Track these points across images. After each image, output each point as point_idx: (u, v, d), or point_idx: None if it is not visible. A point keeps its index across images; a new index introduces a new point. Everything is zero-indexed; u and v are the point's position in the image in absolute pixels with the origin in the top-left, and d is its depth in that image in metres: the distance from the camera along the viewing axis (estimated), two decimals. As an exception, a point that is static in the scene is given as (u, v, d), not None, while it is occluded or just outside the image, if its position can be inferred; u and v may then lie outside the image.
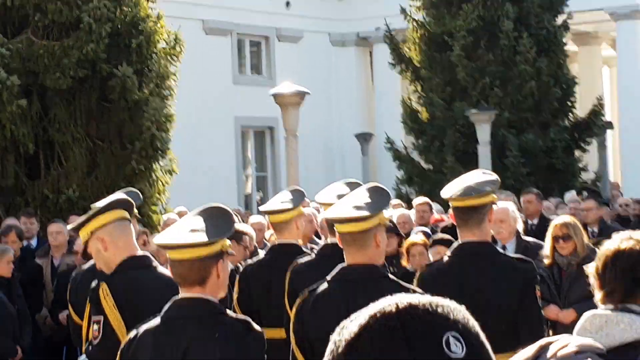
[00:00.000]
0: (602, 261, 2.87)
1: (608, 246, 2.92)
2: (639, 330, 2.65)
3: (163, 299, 4.22)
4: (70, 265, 9.22)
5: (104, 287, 4.72)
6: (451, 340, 1.06)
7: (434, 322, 1.08)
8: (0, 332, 8.05)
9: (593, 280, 2.94)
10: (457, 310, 1.11)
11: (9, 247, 9.12)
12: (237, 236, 8.11)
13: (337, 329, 1.13)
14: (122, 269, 4.83)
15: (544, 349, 2.62)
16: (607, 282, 2.83)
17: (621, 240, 2.87)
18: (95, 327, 4.86)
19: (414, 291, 4.33)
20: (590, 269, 2.96)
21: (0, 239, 9.88)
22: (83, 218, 5.13)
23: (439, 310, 1.09)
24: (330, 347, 1.12)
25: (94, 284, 5.06)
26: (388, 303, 1.09)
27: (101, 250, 4.82)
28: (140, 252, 5.20)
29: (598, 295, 2.89)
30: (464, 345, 1.06)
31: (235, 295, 6.60)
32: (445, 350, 1.04)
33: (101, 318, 4.77)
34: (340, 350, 1.08)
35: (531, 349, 2.67)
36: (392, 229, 8.35)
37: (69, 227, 7.14)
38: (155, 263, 5.18)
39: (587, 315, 2.80)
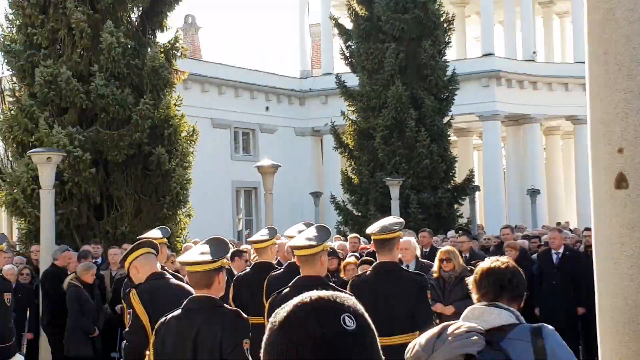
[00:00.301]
0: (479, 274, 2.87)
1: (482, 265, 2.94)
2: (504, 319, 2.63)
3: (171, 298, 4.26)
4: (122, 275, 8.90)
5: (133, 292, 4.79)
6: (346, 318, 1.08)
7: (335, 307, 1.09)
8: (86, 317, 7.86)
9: (472, 286, 2.92)
10: (350, 300, 1.13)
11: (92, 264, 8.93)
12: (239, 253, 8.11)
13: (273, 314, 1.13)
14: (146, 280, 4.91)
15: (444, 329, 2.59)
16: (482, 287, 2.83)
17: (492, 261, 2.91)
18: (129, 316, 4.89)
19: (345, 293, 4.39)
20: (470, 279, 2.96)
21: (80, 260, 9.66)
22: (125, 254, 5.28)
23: (338, 300, 1.10)
24: (268, 326, 1.12)
25: (127, 290, 5.15)
26: (305, 295, 1.11)
27: (135, 274, 4.94)
28: (159, 270, 5.18)
29: (475, 296, 2.88)
30: (354, 321, 1.08)
31: (230, 295, 6.44)
32: (342, 325, 1.06)
33: (131, 310, 4.81)
34: (274, 328, 1.09)
35: (435, 329, 2.67)
36: (333, 253, 8.21)
37: (119, 260, 7.05)
38: (168, 276, 5.19)
39: (469, 308, 2.79)
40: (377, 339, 1.14)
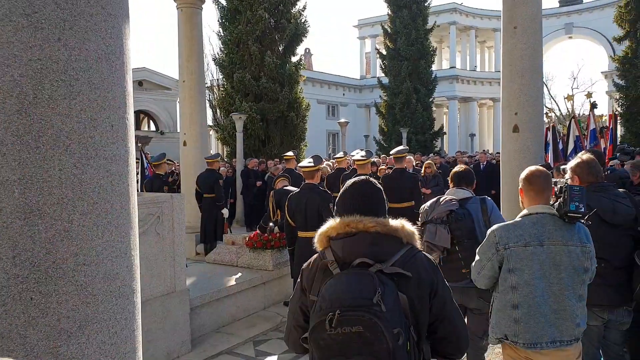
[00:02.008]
0: (451, 174, 3.76)
1: (453, 170, 3.76)
2: (466, 194, 3.64)
3: (285, 194, 5.42)
4: (273, 176, 10.64)
5: (271, 193, 6.13)
6: (372, 183, 1.90)
7: (368, 180, 1.92)
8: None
9: (449, 180, 3.79)
10: (375, 181, 1.92)
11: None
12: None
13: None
14: (278, 189, 6.15)
15: (439, 198, 3.56)
16: (453, 180, 3.76)
17: (458, 167, 3.77)
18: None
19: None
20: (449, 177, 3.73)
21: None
22: (274, 180, 6.75)
23: (371, 180, 1.93)
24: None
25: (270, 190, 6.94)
26: (358, 177, 1.94)
27: (277, 187, 6.24)
28: (286, 184, 6.12)
29: (450, 184, 3.76)
30: (376, 186, 1.89)
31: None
32: (374, 186, 1.87)
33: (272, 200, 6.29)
34: (343, 188, 1.82)
35: (434, 199, 3.62)
36: (374, 163, 10.72)
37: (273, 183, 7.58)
38: (288, 187, 6.03)
39: (449, 190, 3.70)
40: (384, 195, 1.91)
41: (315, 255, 1.82)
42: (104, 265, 1.43)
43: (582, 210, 2.61)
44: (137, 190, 10.54)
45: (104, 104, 1.33)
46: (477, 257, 2.84)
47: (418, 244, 1.79)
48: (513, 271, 2.67)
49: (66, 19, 1.31)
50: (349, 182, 1.90)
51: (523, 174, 2.83)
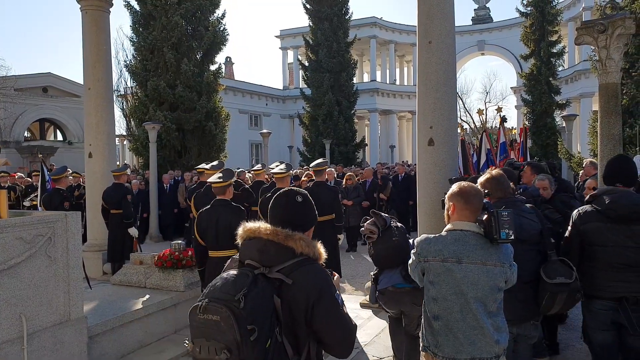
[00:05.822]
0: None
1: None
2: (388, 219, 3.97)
3: (207, 201, 5.13)
4: (192, 186, 9.97)
5: (193, 196, 6.32)
6: (298, 196, 2.08)
7: (293, 192, 2.10)
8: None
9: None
10: (302, 191, 2.09)
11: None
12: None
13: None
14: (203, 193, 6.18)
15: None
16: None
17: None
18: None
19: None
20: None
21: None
22: (194, 187, 7.25)
23: (296, 190, 2.09)
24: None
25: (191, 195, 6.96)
26: (284, 189, 2.11)
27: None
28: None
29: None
30: (303, 198, 2.09)
31: (259, 208, 6.66)
32: (295, 199, 2.06)
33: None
34: (273, 200, 1.98)
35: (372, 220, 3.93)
36: (296, 177, 9.95)
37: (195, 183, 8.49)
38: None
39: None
40: (313, 207, 2.10)
41: None
42: None
43: (512, 237, 2.62)
44: (37, 207, 9.98)
45: None
46: (411, 257, 2.91)
47: (320, 258, 1.99)
48: (432, 283, 2.71)
49: None
50: (278, 193, 2.11)
51: (456, 190, 2.76)
